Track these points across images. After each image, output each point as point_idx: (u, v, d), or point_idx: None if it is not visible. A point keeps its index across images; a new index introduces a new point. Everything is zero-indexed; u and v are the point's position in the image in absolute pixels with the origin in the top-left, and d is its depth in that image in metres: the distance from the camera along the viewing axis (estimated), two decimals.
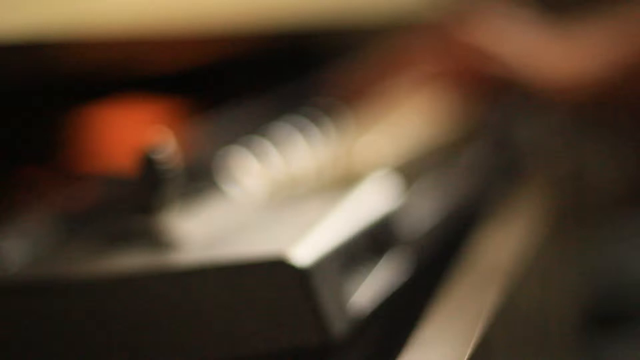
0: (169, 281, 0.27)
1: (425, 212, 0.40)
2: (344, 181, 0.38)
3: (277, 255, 0.26)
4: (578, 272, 0.52)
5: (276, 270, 0.26)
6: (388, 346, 0.29)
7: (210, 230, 0.31)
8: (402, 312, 0.33)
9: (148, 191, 0.32)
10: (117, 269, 0.29)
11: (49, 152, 0.61)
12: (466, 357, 0.27)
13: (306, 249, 0.27)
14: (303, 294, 0.26)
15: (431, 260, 0.39)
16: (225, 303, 0.27)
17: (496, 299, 0.32)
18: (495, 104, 0.61)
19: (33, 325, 0.29)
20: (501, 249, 0.39)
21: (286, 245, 0.27)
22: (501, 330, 0.31)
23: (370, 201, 0.33)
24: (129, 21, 0.44)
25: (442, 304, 0.32)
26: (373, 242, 0.32)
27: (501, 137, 0.61)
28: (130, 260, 0.29)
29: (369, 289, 0.30)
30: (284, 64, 1.00)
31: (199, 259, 0.28)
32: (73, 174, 0.58)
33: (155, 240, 0.30)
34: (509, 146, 0.62)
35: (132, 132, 0.69)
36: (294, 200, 0.34)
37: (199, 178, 0.40)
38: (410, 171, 0.50)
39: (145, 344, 0.27)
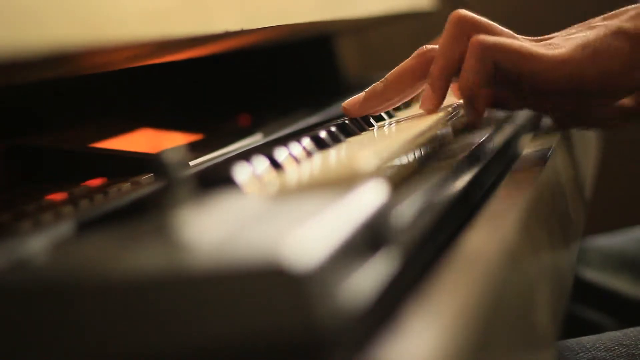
0: (168, 282, 0.28)
1: (417, 208, 0.41)
2: (342, 181, 0.39)
3: (274, 255, 0.27)
4: (563, 262, 0.54)
5: (273, 269, 0.27)
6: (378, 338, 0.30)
7: (215, 229, 0.31)
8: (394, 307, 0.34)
9: (162, 191, 0.35)
10: (123, 268, 0.29)
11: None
12: (451, 348, 0.28)
13: (303, 250, 0.27)
14: (300, 293, 0.27)
15: (423, 256, 0.41)
16: (223, 305, 0.27)
17: (482, 291, 0.33)
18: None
19: (41, 324, 0.29)
20: (489, 241, 0.40)
21: (284, 246, 0.27)
22: (486, 323, 0.32)
23: (365, 200, 0.34)
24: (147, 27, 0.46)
25: (429, 297, 0.33)
26: (367, 240, 0.33)
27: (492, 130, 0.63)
28: (136, 260, 0.30)
29: (364, 287, 0.30)
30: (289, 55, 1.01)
31: (200, 261, 0.28)
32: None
33: (164, 238, 0.31)
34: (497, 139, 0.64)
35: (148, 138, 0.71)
36: (295, 199, 0.35)
37: (212, 179, 0.42)
38: (404, 167, 0.52)
39: (143, 344, 0.28)
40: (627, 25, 0.57)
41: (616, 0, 0.73)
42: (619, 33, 0.57)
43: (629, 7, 0.59)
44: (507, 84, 0.59)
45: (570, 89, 0.57)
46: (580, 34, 0.58)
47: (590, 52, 0.56)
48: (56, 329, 0.29)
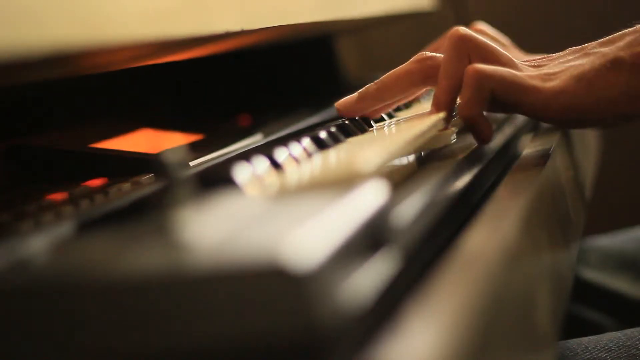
0: (168, 283, 0.28)
1: (418, 208, 0.41)
2: (342, 181, 0.39)
3: (274, 256, 0.27)
4: (563, 262, 0.54)
5: (273, 270, 0.27)
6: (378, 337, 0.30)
7: (215, 229, 0.31)
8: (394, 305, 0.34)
9: (163, 191, 0.35)
10: (123, 269, 0.29)
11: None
12: (451, 348, 0.28)
13: (303, 250, 0.27)
14: (300, 293, 0.27)
15: (423, 256, 0.41)
16: (223, 305, 0.27)
17: (482, 291, 0.33)
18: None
19: (41, 324, 0.29)
20: (489, 241, 0.40)
21: (284, 246, 0.27)
22: (486, 323, 0.32)
23: (365, 200, 0.34)
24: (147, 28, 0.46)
25: (429, 297, 0.33)
26: (367, 240, 0.33)
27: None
28: (136, 260, 0.30)
29: (364, 287, 0.30)
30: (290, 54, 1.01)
31: (200, 261, 0.28)
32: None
33: (164, 238, 0.31)
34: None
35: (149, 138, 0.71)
36: (295, 200, 0.35)
37: (212, 179, 0.42)
38: (404, 167, 0.52)
39: (143, 344, 0.28)
40: (624, 53, 0.56)
41: (616, 1, 0.72)
42: (616, 62, 0.55)
43: (625, 31, 0.58)
44: (503, 107, 0.59)
45: (569, 120, 0.57)
46: (577, 62, 0.57)
47: (585, 84, 0.55)
48: (56, 329, 0.29)
